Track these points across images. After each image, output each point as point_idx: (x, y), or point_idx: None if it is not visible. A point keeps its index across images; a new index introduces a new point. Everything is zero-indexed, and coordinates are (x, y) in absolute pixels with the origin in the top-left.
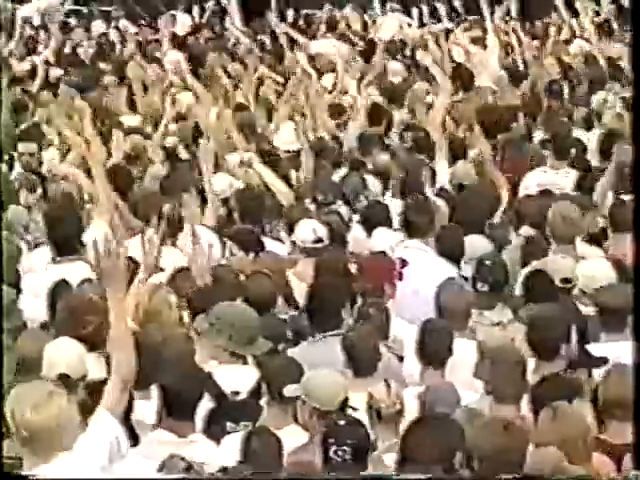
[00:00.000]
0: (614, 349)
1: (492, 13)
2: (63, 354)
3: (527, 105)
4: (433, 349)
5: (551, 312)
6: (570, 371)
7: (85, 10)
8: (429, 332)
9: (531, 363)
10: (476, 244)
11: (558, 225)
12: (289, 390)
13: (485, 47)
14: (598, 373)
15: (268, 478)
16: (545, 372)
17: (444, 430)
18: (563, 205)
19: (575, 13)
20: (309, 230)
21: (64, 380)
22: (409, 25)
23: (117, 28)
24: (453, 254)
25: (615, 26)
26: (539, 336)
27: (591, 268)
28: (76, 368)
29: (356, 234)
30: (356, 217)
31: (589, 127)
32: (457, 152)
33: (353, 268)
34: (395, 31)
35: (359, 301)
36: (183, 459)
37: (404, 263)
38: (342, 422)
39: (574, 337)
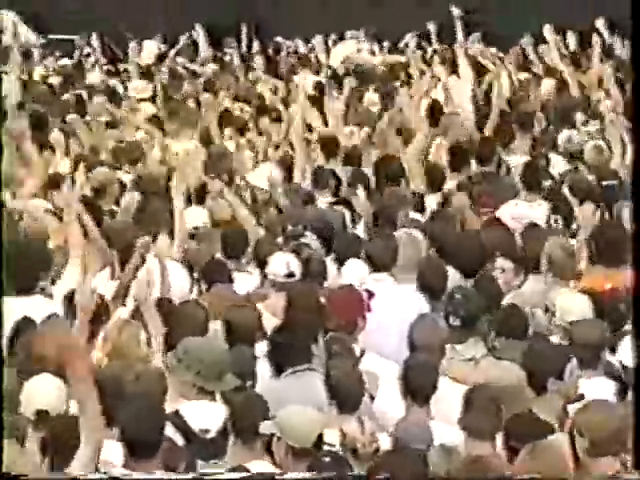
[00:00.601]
0: (588, 385)
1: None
2: (43, 390)
3: (499, 135)
4: (418, 386)
5: (545, 348)
6: None
7: (44, 40)
8: (412, 369)
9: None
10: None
11: (560, 259)
12: (264, 427)
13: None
14: (572, 408)
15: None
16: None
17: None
18: (560, 239)
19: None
20: (282, 264)
21: (42, 417)
22: (372, 53)
23: (82, 56)
24: (434, 288)
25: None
26: (531, 372)
27: (568, 301)
28: (55, 405)
29: (328, 267)
30: (325, 250)
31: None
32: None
33: (324, 302)
34: (345, 56)
35: (329, 335)
36: None
37: (370, 295)
38: (327, 459)
39: (569, 372)
